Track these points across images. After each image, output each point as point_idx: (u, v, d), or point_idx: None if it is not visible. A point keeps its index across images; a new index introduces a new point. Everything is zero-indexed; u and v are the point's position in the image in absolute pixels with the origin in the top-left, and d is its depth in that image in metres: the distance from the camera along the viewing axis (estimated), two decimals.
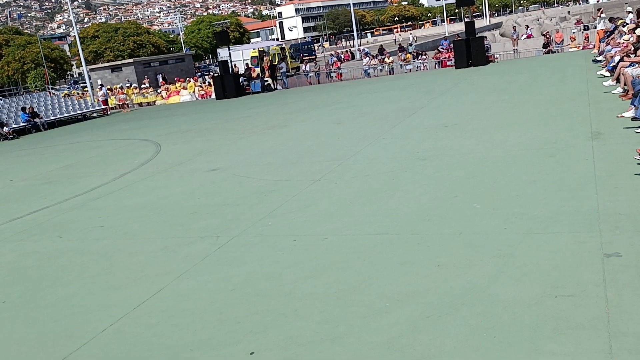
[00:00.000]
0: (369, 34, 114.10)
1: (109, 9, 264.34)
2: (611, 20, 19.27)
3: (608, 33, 18.09)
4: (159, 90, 32.41)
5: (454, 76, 19.94)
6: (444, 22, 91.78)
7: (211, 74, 39.00)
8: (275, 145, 11.40)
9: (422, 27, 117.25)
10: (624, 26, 15.66)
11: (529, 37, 31.31)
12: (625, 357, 3.02)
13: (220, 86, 26.12)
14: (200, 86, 30.71)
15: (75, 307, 4.79)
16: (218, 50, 47.87)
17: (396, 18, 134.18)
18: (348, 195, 6.95)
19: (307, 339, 3.69)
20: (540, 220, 5.12)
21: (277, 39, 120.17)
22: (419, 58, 27.54)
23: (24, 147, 19.33)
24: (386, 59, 27.26)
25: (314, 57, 49.25)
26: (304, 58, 45.33)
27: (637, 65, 10.61)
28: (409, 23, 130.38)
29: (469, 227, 5.24)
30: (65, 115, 27.08)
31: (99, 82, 35.25)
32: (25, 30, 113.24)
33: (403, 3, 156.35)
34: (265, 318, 4.06)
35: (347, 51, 48.28)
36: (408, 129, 10.90)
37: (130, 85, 33.19)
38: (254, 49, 41.87)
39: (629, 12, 19.24)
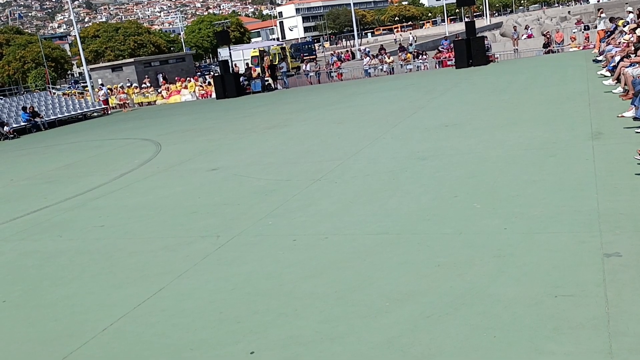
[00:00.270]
0: (369, 34, 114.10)
1: (109, 8, 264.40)
2: (612, 20, 19.27)
3: (608, 33, 18.08)
4: (159, 90, 32.41)
5: (454, 76, 19.94)
6: (444, 22, 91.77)
7: (212, 73, 39.03)
8: (276, 145, 11.41)
9: (423, 27, 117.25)
10: (624, 26, 15.66)
11: (529, 37, 31.29)
12: (625, 356, 3.02)
13: (221, 86, 26.12)
14: (201, 86, 30.71)
15: (75, 307, 4.79)
16: (218, 50, 47.90)
17: (396, 18, 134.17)
18: (348, 195, 6.95)
19: (307, 338, 3.70)
20: (541, 220, 5.12)
21: (278, 39, 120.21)
22: (419, 58, 27.54)
23: (25, 147, 19.33)
24: (386, 59, 27.25)
25: (315, 56, 49.26)
26: (305, 58, 45.33)
27: (637, 65, 10.61)
28: (410, 23, 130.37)
29: (469, 227, 5.24)
30: (66, 114, 27.09)
31: (100, 81, 35.27)
32: (26, 30, 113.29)
33: (403, 3, 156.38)
34: (266, 317, 4.07)
35: (347, 51, 48.30)
36: (408, 128, 10.90)
37: (131, 85, 33.20)
38: (254, 48, 41.89)
39: (630, 12, 19.25)
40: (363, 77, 26.95)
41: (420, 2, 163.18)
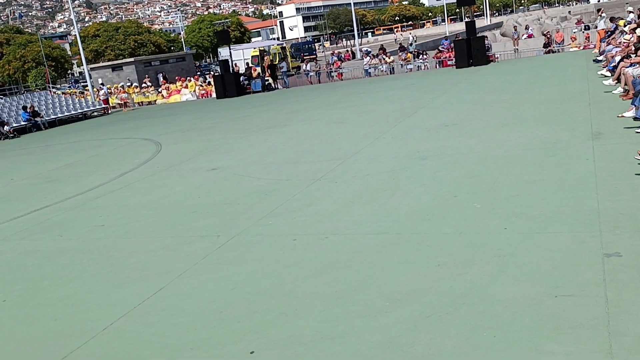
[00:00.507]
0: (369, 34, 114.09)
1: (109, 8, 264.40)
2: (612, 20, 19.26)
3: (609, 33, 18.07)
4: (159, 90, 32.41)
5: (455, 76, 19.93)
6: (444, 21, 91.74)
7: (212, 73, 39.02)
8: (276, 144, 11.41)
9: (424, 27, 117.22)
10: (625, 26, 15.65)
11: (529, 36, 31.28)
12: (625, 356, 3.02)
13: (221, 85, 26.11)
14: (201, 85, 30.70)
15: (75, 306, 4.80)
16: (219, 50, 47.92)
17: (397, 17, 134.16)
18: (348, 195, 6.95)
19: (307, 338, 3.70)
20: (541, 220, 5.12)
21: (278, 39, 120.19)
22: (420, 58, 27.53)
23: (25, 146, 19.33)
24: (387, 59, 27.25)
25: (315, 56, 49.24)
26: (305, 57, 45.32)
27: (637, 65, 10.61)
28: (410, 23, 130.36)
29: (469, 227, 5.24)
30: (66, 114, 27.09)
31: (100, 81, 35.27)
32: (26, 29, 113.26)
33: (404, 2, 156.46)
34: (266, 317, 4.07)
35: (347, 51, 48.28)
36: (408, 128, 10.90)
37: (131, 85, 33.20)
38: (254, 48, 41.87)
39: (630, 11, 19.24)
40: (363, 77, 26.94)
41: (420, 1, 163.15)
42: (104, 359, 3.84)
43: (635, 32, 13.09)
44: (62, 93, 33.69)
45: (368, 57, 28.03)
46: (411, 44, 33.38)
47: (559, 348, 3.17)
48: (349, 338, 3.62)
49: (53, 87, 41.10)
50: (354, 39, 52.27)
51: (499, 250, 4.61)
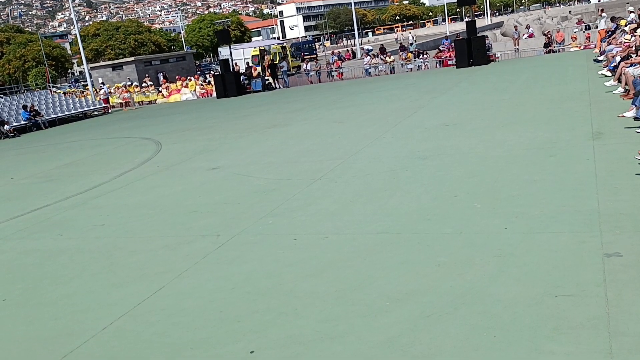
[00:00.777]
0: (369, 33, 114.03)
1: (110, 7, 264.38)
2: (613, 19, 19.25)
3: (609, 33, 18.07)
4: (160, 89, 32.41)
5: (455, 75, 19.93)
6: (445, 21, 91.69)
7: (212, 72, 39.00)
8: (276, 144, 11.41)
9: (424, 26, 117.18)
10: (626, 25, 15.64)
11: (530, 36, 31.26)
12: (625, 357, 3.02)
13: (221, 85, 26.11)
14: (201, 85, 30.70)
15: (75, 305, 4.80)
16: (219, 49, 47.90)
17: (397, 17, 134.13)
18: (348, 195, 6.95)
19: (307, 337, 3.70)
20: (541, 220, 5.12)
21: (278, 38, 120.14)
22: (420, 57, 27.53)
23: (25, 145, 19.33)
24: (387, 58, 27.25)
25: (315, 56, 49.22)
26: (305, 57, 45.31)
27: (638, 65, 10.60)
28: (410, 22, 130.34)
29: (469, 227, 5.24)
30: (66, 113, 27.09)
31: (100, 80, 35.26)
32: (27, 29, 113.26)
33: (404, 2, 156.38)
34: (266, 317, 4.07)
35: (347, 50, 48.27)
36: (409, 128, 10.90)
37: (131, 84, 33.20)
38: (255, 47, 41.87)
39: (631, 11, 19.23)
40: (364, 77, 26.94)
41: (421, 1, 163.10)
42: (103, 358, 3.84)
43: (636, 33, 13.08)
44: (63, 93, 33.66)
45: (368, 57, 28.04)
46: (411, 44, 33.36)
47: (559, 348, 3.17)
48: (349, 338, 3.62)
49: (53, 87, 41.11)
50: (355, 39, 52.28)
51: (499, 250, 4.61)
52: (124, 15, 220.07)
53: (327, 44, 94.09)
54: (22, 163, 14.92)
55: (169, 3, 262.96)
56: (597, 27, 23.94)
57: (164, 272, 5.23)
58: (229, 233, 6.09)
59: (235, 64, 28.72)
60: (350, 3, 48.84)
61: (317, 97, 20.28)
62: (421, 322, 3.67)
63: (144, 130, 17.86)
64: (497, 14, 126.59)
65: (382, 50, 28.35)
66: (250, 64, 33.23)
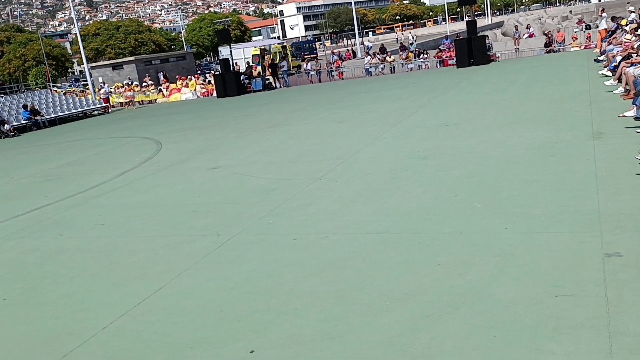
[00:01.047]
0: (370, 33, 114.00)
1: (110, 6, 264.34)
2: (613, 19, 19.24)
3: (610, 32, 18.06)
4: (160, 88, 32.41)
5: (455, 75, 19.93)
6: (445, 21, 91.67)
7: (212, 72, 39.00)
8: (276, 143, 11.41)
9: (425, 26, 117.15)
10: (627, 25, 15.63)
11: (530, 36, 31.27)
12: (625, 356, 3.02)
13: (222, 84, 26.11)
14: (202, 84, 30.69)
15: (75, 305, 4.80)
16: (219, 49, 47.88)
17: (398, 17, 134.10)
18: (349, 194, 6.95)
19: (308, 337, 3.70)
20: (541, 220, 5.12)
21: (279, 38, 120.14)
22: (421, 57, 27.52)
23: (25, 145, 19.33)
24: (387, 58, 27.25)
25: (315, 55, 49.22)
26: (305, 56, 45.30)
27: (638, 65, 10.60)
28: (411, 22, 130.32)
29: (469, 226, 5.24)
30: (67, 112, 27.09)
31: (100, 79, 35.25)
32: (27, 28, 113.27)
33: (405, 2, 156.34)
34: (266, 316, 4.07)
35: (347, 50, 48.26)
36: (409, 128, 10.90)
37: (132, 83, 33.21)
38: (255, 47, 41.87)
39: (632, 11, 19.22)
40: (364, 76, 26.94)
41: (421, 1, 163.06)
42: (104, 358, 3.84)
43: (636, 32, 13.07)
44: (64, 93, 33.66)
45: (369, 57, 28.05)
46: (412, 44, 33.36)
47: (559, 348, 3.17)
48: (349, 337, 3.62)
49: (54, 86, 41.11)
50: (355, 38, 52.25)
51: (499, 250, 4.61)
52: (124, 15, 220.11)
53: (328, 43, 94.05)
54: (22, 162, 14.92)
55: (169, 2, 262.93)
56: (597, 27, 23.92)
57: (164, 271, 5.23)
58: (229, 233, 6.09)
59: (236, 63, 28.72)
60: (351, 2, 48.85)
61: (317, 97, 20.28)
62: (421, 321, 3.67)
63: (144, 130, 17.86)
64: (498, 13, 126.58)
65: (383, 49, 28.35)
66: (251, 64, 33.24)
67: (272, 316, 4.06)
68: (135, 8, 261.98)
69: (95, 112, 28.72)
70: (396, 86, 19.59)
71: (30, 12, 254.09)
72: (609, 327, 3.28)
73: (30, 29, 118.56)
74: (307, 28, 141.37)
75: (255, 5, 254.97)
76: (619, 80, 11.32)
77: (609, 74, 12.90)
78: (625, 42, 13.39)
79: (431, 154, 8.38)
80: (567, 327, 3.35)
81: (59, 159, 14.13)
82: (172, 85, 31.79)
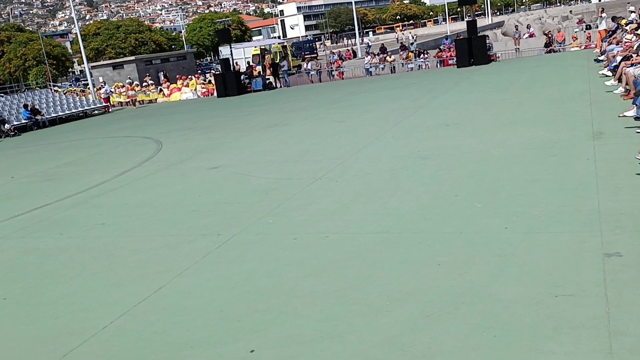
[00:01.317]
0: (370, 33, 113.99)
1: (110, 6, 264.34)
2: (614, 19, 19.24)
3: (610, 32, 18.06)
4: (160, 88, 32.39)
5: (456, 75, 19.93)
6: (445, 20, 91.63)
7: (212, 72, 39.00)
8: (277, 143, 11.41)
9: (425, 26, 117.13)
10: (626, 25, 15.63)
11: (530, 36, 31.26)
12: (625, 356, 3.02)
13: (222, 84, 26.11)
14: (202, 84, 30.69)
15: (75, 304, 4.80)
16: (220, 48, 47.89)
17: (398, 17, 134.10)
18: (349, 194, 6.95)
19: (308, 337, 3.70)
20: (541, 220, 5.12)
21: (279, 37, 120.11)
22: (421, 57, 27.52)
23: (25, 144, 19.34)
24: (387, 58, 27.25)
25: (316, 55, 49.22)
26: (306, 56, 45.32)
27: (639, 65, 10.60)
28: (411, 22, 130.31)
29: (469, 226, 5.24)
30: (67, 112, 27.10)
31: (101, 79, 35.24)
32: (27, 28, 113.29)
33: (405, 1, 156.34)
34: (266, 316, 4.07)
35: (348, 50, 48.26)
36: (409, 127, 10.89)
37: (132, 83, 33.19)
38: (255, 47, 41.88)
39: (632, 11, 19.22)
40: (364, 76, 26.93)
41: (421, 1, 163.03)
42: (104, 357, 3.84)
43: (637, 32, 13.06)
44: (65, 92, 33.66)
45: (369, 56, 28.05)
46: (412, 43, 33.36)
47: (559, 348, 3.17)
48: (349, 337, 3.62)
49: (54, 86, 41.11)
50: (355, 38, 52.26)
51: (500, 249, 4.61)
52: (124, 15, 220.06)
53: (328, 43, 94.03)
54: (23, 162, 14.92)
55: (170, 2, 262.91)
56: (597, 27, 23.92)
57: (165, 271, 5.23)
58: (229, 232, 6.09)
59: (236, 63, 28.71)
60: (351, 2, 48.84)
61: (317, 97, 20.28)
62: (421, 321, 3.67)
63: (145, 130, 17.86)
64: (498, 13, 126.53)
65: (383, 49, 28.34)
66: (251, 63, 33.25)
67: (272, 316, 4.06)
68: (136, 8, 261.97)
69: (96, 112, 28.73)
70: (396, 86, 19.58)
71: (31, 11, 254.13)
72: (609, 327, 3.28)
73: (30, 29, 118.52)
74: (307, 28, 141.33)
75: (256, 5, 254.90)
76: (619, 80, 11.32)
77: (609, 74, 12.89)
78: (625, 42, 13.39)
79: (431, 153, 8.38)
80: (567, 327, 3.35)
81: (59, 158, 14.14)
82: (172, 85, 31.77)
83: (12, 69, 58.06)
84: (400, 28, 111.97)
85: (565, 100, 11.21)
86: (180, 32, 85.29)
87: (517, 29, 31.82)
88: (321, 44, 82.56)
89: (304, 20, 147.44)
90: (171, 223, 6.86)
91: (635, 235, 4.48)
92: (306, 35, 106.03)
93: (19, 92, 32.39)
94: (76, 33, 34.30)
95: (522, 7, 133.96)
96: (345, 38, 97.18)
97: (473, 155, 7.96)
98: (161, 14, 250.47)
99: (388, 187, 6.97)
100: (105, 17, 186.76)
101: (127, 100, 30.78)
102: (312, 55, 46.26)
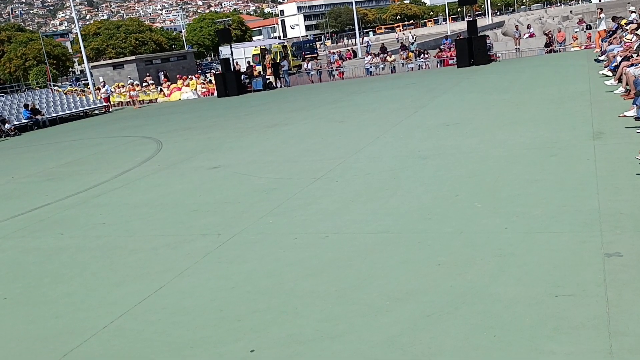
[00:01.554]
0: (370, 33, 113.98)
1: (111, 6, 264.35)
2: (614, 19, 19.23)
3: (610, 32, 18.05)
4: (161, 88, 32.39)
5: (456, 75, 19.92)
6: (446, 20, 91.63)
7: (213, 71, 39.01)
8: (277, 143, 11.41)
9: (425, 26, 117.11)
10: (627, 25, 15.63)
11: (531, 36, 31.24)
12: (625, 356, 3.02)
13: (222, 84, 26.12)
14: (203, 84, 30.69)
15: (76, 304, 4.80)
16: (220, 48, 47.93)
17: (398, 16, 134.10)
18: (349, 194, 6.95)
19: (308, 337, 3.70)
20: (541, 220, 5.12)
21: (279, 37, 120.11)
22: (421, 57, 27.52)
23: (26, 144, 19.34)
24: (388, 58, 27.25)
25: (316, 55, 49.23)
26: (306, 56, 45.33)
27: (639, 65, 10.60)
28: (411, 22, 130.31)
29: (469, 226, 5.24)
30: (67, 112, 27.10)
31: (101, 79, 35.24)
32: (28, 27, 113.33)
33: (405, 1, 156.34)
34: (266, 316, 4.07)
35: (348, 49, 48.26)
36: (409, 127, 10.89)
37: (134, 83, 33.20)
38: (255, 46, 41.89)
39: (632, 11, 19.21)
40: (364, 76, 26.94)
41: (422, 0, 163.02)
42: (104, 357, 3.84)
43: (637, 32, 13.06)
44: (65, 92, 33.67)
45: (369, 56, 28.05)
46: (412, 43, 33.37)
47: (559, 348, 3.17)
48: (349, 337, 3.62)
49: (54, 85, 41.12)
50: (356, 38, 52.27)
51: (500, 249, 4.61)
52: (124, 14, 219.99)
53: (328, 43, 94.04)
54: (23, 162, 14.93)
55: (170, 2, 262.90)
56: (597, 27, 23.90)
57: (165, 271, 5.23)
58: (229, 232, 6.09)
59: (236, 63, 28.72)
60: (351, 2, 48.85)
61: (317, 97, 20.28)
62: (421, 321, 3.67)
63: (145, 129, 17.87)
64: (498, 13, 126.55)
65: (383, 49, 28.34)
66: (251, 63, 33.25)
67: (272, 316, 4.06)
68: (136, 7, 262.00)
69: (96, 112, 28.73)
70: (397, 86, 19.58)
71: (31, 11, 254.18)
72: (609, 327, 3.28)
73: (31, 29, 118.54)
74: (307, 28, 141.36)
75: (256, 4, 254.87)
76: (620, 80, 11.32)
77: (610, 74, 12.89)
78: (625, 42, 13.38)
79: (431, 153, 8.38)
80: (567, 327, 3.35)
81: (59, 158, 14.14)
82: (173, 85, 31.77)
83: (13, 68, 58.08)
84: (401, 28, 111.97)
85: (565, 100, 11.21)
86: (181, 32, 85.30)
87: (517, 29, 31.79)
88: (321, 44, 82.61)
89: (304, 20, 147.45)
90: (171, 223, 6.86)
91: (636, 235, 4.48)
92: (306, 35, 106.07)
93: (19, 92, 32.39)
94: (76, 33, 34.30)
95: (522, 7, 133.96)
96: (345, 38, 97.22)
97: (473, 155, 7.96)
98: (161, 13, 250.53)
99: (388, 187, 6.97)
100: (105, 17, 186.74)
101: (128, 100, 30.77)
102: (312, 55, 46.26)
